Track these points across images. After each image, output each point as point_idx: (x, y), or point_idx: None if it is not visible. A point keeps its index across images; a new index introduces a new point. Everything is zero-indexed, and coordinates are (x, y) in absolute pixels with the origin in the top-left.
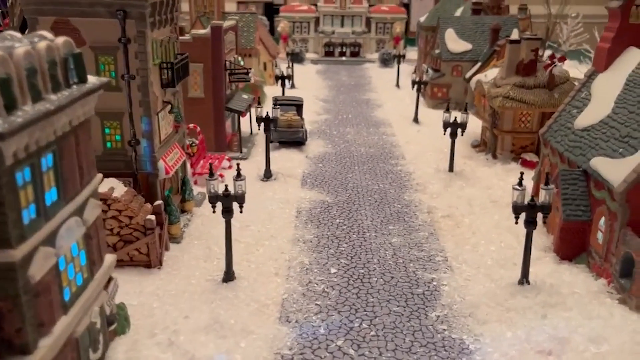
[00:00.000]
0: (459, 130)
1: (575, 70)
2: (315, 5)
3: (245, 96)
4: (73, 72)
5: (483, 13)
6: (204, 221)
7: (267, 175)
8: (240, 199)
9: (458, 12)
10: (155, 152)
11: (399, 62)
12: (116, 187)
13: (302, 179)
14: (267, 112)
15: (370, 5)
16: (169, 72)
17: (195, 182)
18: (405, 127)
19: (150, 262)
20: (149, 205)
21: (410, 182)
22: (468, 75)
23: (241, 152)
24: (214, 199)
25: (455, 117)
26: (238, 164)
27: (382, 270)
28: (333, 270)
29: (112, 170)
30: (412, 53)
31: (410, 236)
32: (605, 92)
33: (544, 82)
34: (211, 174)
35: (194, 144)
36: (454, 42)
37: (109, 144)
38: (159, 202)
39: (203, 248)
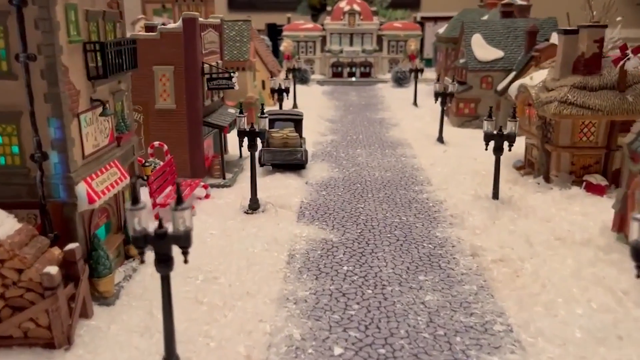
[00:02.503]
0: (506, 144)
1: None
2: (321, 23)
3: (232, 110)
4: None
5: (514, 16)
6: (155, 272)
7: (253, 206)
8: (184, 240)
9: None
10: (73, 171)
11: (416, 77)
12: (2, 223)
13: (299, 211)
14: (252, 124)
15: (381, 23)
16: (98, 56)
17: (156, 217)
18: (428, 148)
19: (53, 339)
20: (56, 251)
21: (442, 214)
22: (500, 87)
23: (224, 178)
24: (140, 240)
25: (501, 127)
26: (178, 183)
27: (414, 349)
28: (338, 351)
29: (8, 198)
30: (427, 74)
31: (451, 292)
32: None
33: (612, 81)
34: (135, 200)
35: (148, 165)
36: (483, 49)
37: (2, 159)
38: (72, 245)
39: (143, 313)
